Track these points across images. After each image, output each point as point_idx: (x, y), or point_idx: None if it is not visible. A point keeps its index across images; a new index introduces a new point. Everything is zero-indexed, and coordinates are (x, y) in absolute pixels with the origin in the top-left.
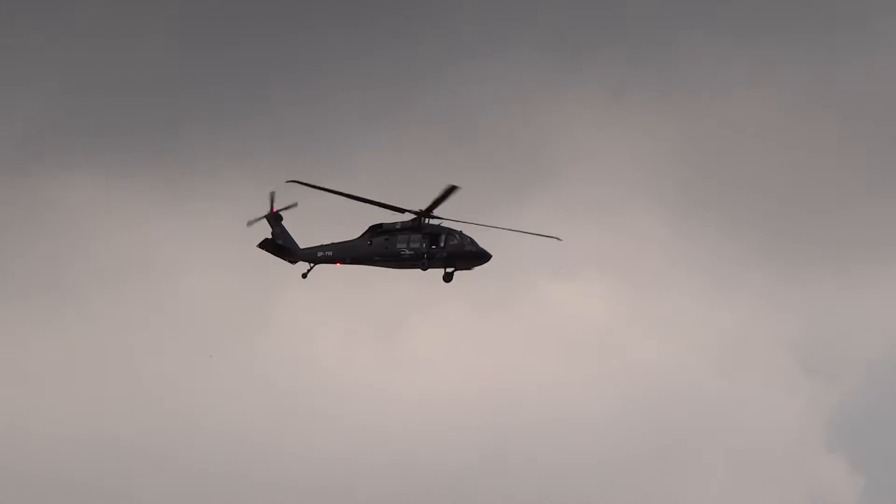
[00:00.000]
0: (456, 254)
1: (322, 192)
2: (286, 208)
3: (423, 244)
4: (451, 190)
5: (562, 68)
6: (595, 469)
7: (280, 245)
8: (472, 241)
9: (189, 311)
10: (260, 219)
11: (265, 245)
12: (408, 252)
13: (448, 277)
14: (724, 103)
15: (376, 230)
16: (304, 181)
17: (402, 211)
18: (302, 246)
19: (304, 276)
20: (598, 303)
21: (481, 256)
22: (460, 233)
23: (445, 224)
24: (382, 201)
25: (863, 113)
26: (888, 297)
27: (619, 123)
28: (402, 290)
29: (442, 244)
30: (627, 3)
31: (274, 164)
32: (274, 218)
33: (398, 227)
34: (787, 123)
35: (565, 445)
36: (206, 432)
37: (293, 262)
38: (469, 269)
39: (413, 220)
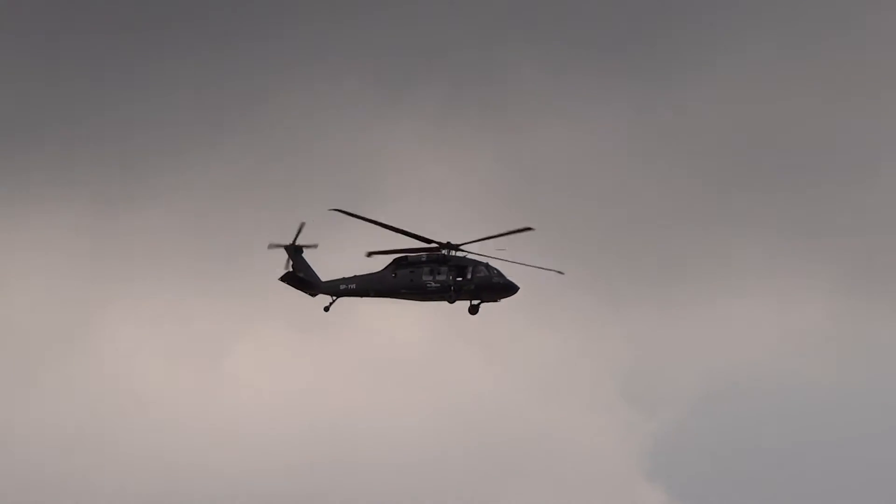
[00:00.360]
0: (483, 286)
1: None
2: (307, 246)
3: (450, 276)
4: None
5: (388, 95)
6: (412, 495)
7: (301, 278)
8: (500, 273)
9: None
10: (280, 246)
11: (287, 278)
12: (434, 285)
13: (474, 310)
14: (549, 130)
15: (401, 262)
16: (347, 210)
17: (429, 242)
18: (323, 279)
19: (327, 309)
20: (418, 327)
21: (509, 289)
22: (487, 265)
23: (470, 256)
24: (413, 232)
25: (685, 141)
26: (708, 328)
27: (444, 148)
28: (222, 312)
29: (469, 276)
30: (450, 31)
31: None
32: (295, 249)
33: (423, 259)
34: (609, 150)
35: (381, 472)
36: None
37: (314, 294)
38: (496, 301)
39: (438, 252)
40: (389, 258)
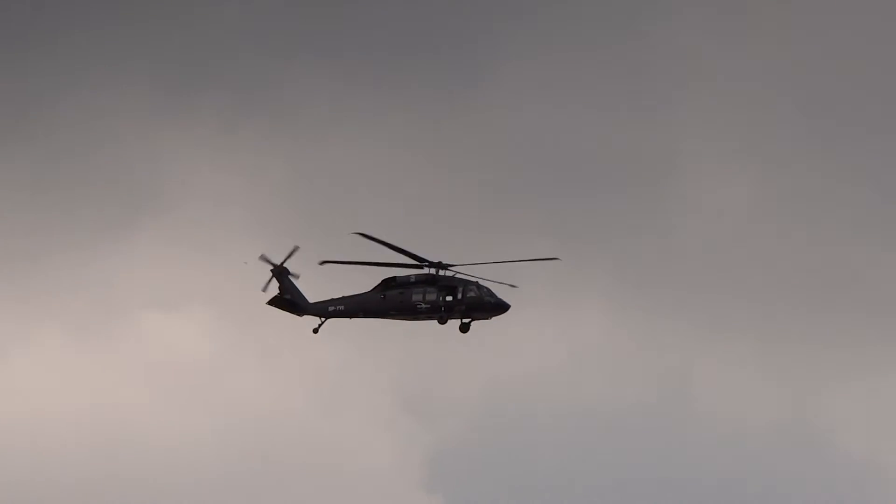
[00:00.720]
0: (475, 306)
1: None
2: (288, 257)
3: (441, 297)
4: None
5: (173, 103)
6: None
7: (289, 300)
8: (490, 293)
9: None
10: (270, 280)
11: (275, 302)
12: (424, 305)
13: (465, 328)
14: (334, 141)
15: (389, 283)
16: (371, 235)
17: (420, 260)
18: (311, 300)
19: (315, 331)
20: (199, 335)
21: (500, 307)
22: (477, 284)
23: (459, 275)
24: (406, 249)
25: (474, 157)
26: (484, 341)
27: (230, 156)
28: None
29: (460, 296)
30: (233, 45)
31: None
32: (280, 272)
33: (412, 279)
34: (400, 159)
35: (159, 484)
36: None
37: (301, 315)
38: (487, 318)
39: (427, 272)
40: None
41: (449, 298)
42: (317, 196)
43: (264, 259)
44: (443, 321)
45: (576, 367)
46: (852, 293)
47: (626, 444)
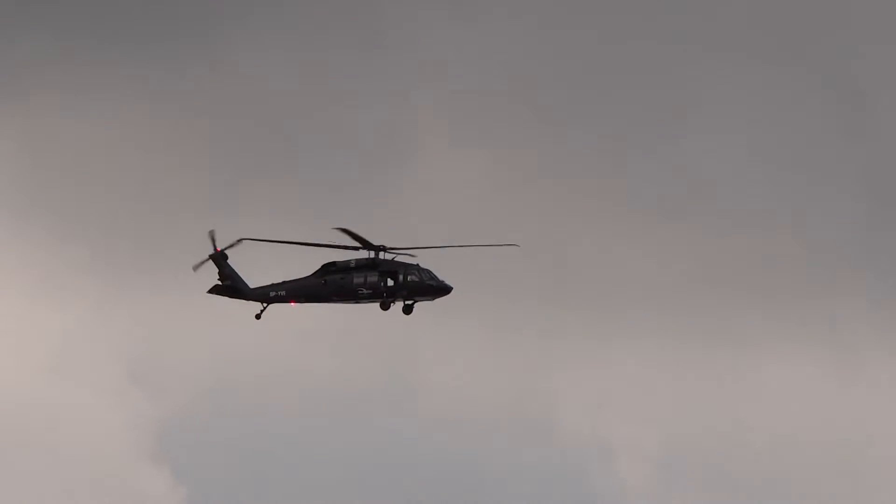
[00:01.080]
0: (416, 289)
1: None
2: (230, 246)
3: (382, 281)
4: None
5: None
6: None
7: (230, 286)
8: (432, 275)
9: None
10: (205, 261)
11: (216, 290)
12: (366, 290)
13: (408, 310)
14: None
15: (329, 269)
16: (353, 231)
17: (365, 243)
18: (252, 285)
19: (258, 316)
20: None
21: (442, 290)
22: (418, 266)
23: (400, 257)
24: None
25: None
26: (221, 313)
27: None
28: None
29: (401, 280)
30: None
31: None
32: (219, 257)
33: (352, 265)
34: (123, 140)
35: None
36: None
37: (244, 300)
38: (431, 300)
39: (368, 256)
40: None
41: (390, 283)
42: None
43: (211, 237)
44: (385, 307)
45: (302, 342)
46: (580, 279)
47: (352, 416)
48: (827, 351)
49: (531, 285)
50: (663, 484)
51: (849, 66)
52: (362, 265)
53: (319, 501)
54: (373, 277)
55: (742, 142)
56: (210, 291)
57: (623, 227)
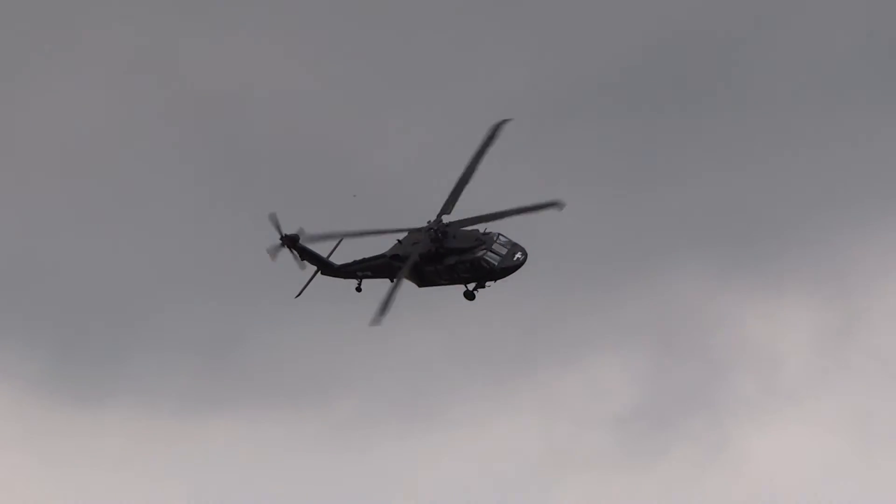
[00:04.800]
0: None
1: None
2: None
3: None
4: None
5: None
6: None
7: (311, 251)
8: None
9: None
10: (279, 247)
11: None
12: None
13: (471, 295)
14: None
15: (401, 259)
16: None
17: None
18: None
19: (359, 289)
20: None
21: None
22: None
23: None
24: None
25: None
26: None
27: None
28: None
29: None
30: None
31: None
32: (292, 240)
33: (423, 249)
34: None
35: None
36: None
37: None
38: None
39: (429, 232)
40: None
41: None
42: None
43: (274, 221)
44: (471, 297)
45: None
46: None
47: None
48: None
49: None
50: None
51: None
52: (436, 252)
53: None
54: (463, 266)
55: None
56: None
57: None
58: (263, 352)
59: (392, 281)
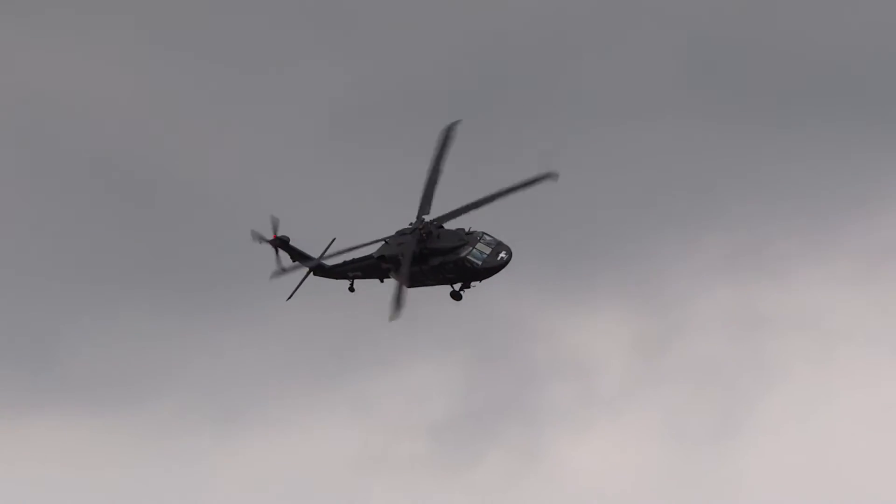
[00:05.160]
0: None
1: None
2: (275, 228)
3: (459, 271)
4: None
5: None
6: None
7: (301, 252)
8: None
9: None
10: (278, 253)
11: (276, 243)
12: (450, 276)
13: (458, 295)
14: None
15: (388, 260)
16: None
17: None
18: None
19: (351, 289)
20: None
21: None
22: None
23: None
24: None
25: None
26: None
27: None
28: None
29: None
30: None
31: None
32: (281, 242)
33: (407, 250)
34: None
35: None
36: None
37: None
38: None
39: (415, 233)
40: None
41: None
42: None
43: (257, 236)
44: (458, 297)
45: None
46: None
47: None
48: None
49: None
50: None
51: None
52: (429, 252)
53: None
54: (449, 267)
55: None
56: (270, 241)
57: None
58: (75, 351)
59: (381, 282)
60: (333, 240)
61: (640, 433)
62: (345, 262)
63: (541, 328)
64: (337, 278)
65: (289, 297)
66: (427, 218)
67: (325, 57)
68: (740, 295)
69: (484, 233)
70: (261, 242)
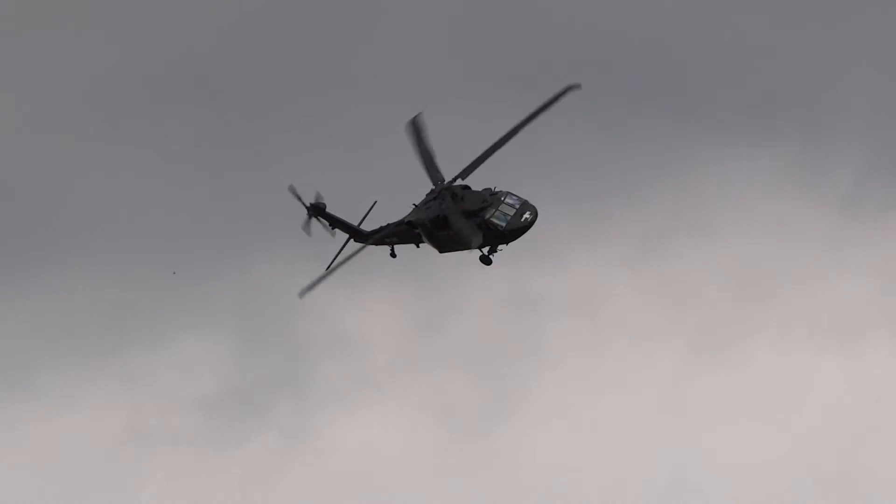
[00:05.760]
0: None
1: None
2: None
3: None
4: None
5: None
6: None
7: (339, 219)
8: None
9: None
10: (308, 220)
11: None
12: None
13: (487, 260)
14: None
15: (412, 225)
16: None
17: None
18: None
19: (393, 255)
20: None
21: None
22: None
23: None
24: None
25: None
26: None
27: None
28: None
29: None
30: None
31: None
32: (317, 209)
33: (433, 215)
34: None
35: None
36: None
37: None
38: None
39: (433, 196)
40: None
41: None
42: None
43: (295, 194)
44: (488, 261)
45: None
46: None
47: None
48: None
49: None
50: None
51: None
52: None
53: None
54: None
55: None
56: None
57: None
58: None
59: (417, 247)
60: (375, 203)
61: (410, 414)
62: (380, 228)
63: (314, 306)
64: (377, 244)
65: (328, 267)
66: (460, 181)
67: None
68: (513, 278)
69: (509, 192)
70: (309, 224)
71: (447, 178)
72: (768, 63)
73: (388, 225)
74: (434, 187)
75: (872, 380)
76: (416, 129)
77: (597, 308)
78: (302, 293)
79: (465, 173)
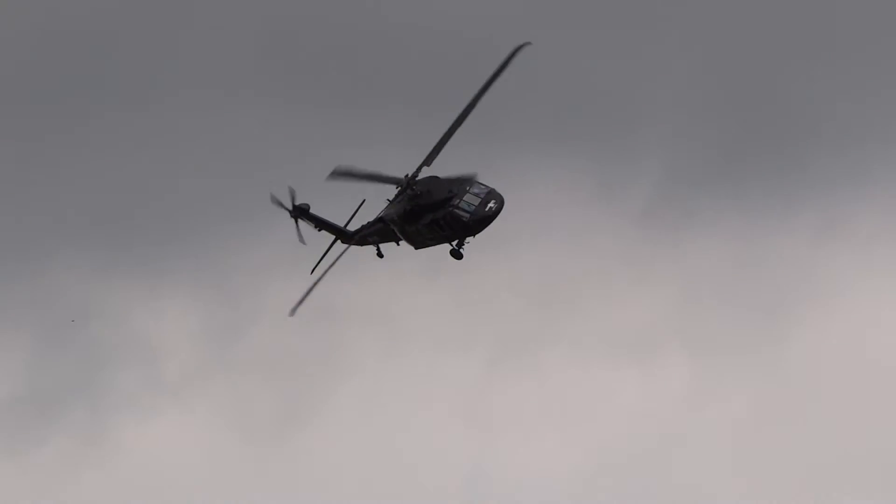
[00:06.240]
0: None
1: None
2: (293, 198)
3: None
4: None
5: None
6: None
7: (323, 220)
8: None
9: None
10: (297, 224)
11: (296, 213)
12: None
13: (458, 254)
14: None
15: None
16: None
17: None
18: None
19: (379, 255)
20: None
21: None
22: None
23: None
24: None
25: None
26: None
27: None
28: None
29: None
30: None
31: None
32: (300, 212)
33: (401, 210)
34: None
35: None
36: None
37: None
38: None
39: (400, 191)
40: None
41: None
42: None
43: (276, 201)
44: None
45: None
46: None
47: None
48: None
49: None
50: None
51: None
52: (419, 208)
53: None
54: (444, 221)
55: None
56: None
57: None
58: None
59: (398, 244)
60: (363, 201)
61: (206, 421)
62: (362, 227)
63: (109, 311)
64: (361, 245)
65: (313, 270)
66: (425, 171)
67: None
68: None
69: (476, 181)
70: (298, 231)
71: (411, 172)
72: (563, 72)
73: (368, 223)
74: (405, 176)
75: (666, 392)
76: (343, 174)
77: (395, 319)
78: (292, 311)
79: (429, 160)
